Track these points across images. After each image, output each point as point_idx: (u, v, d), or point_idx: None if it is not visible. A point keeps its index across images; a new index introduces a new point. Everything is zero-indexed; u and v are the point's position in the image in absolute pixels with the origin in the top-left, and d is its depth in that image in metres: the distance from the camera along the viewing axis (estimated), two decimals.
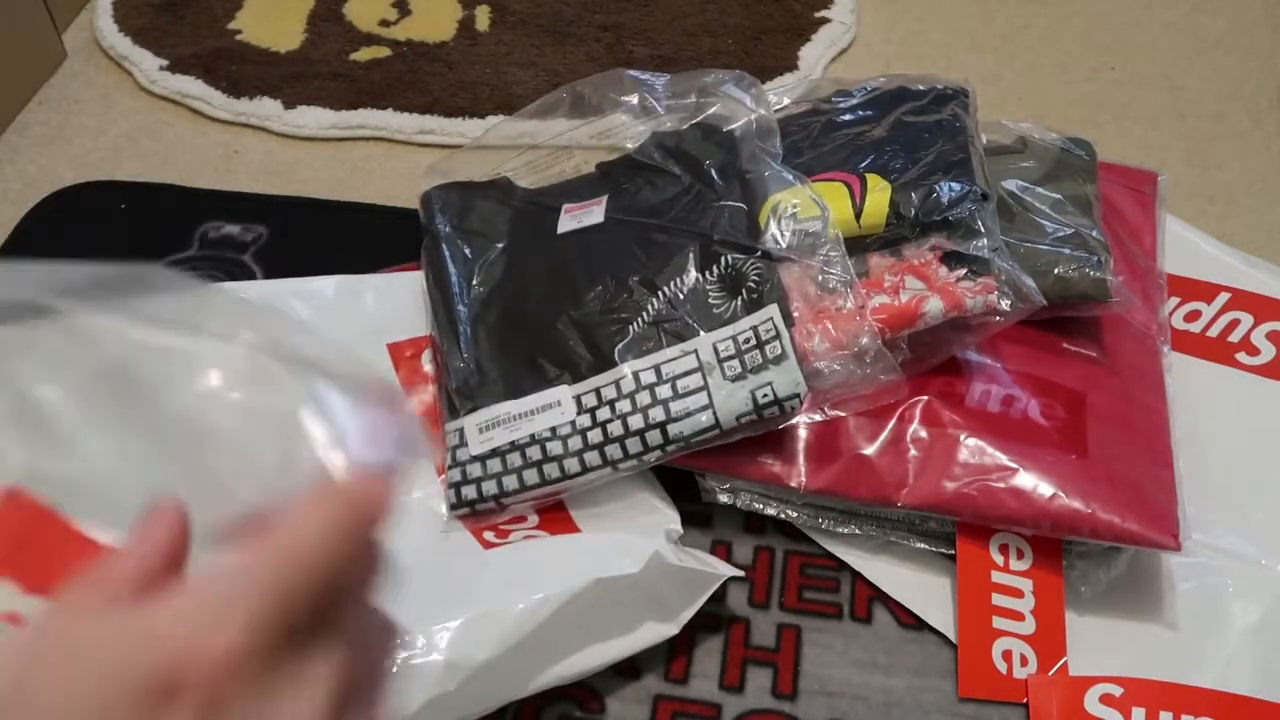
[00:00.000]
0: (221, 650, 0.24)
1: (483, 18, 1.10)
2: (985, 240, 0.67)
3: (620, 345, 0.68)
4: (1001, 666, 0.65)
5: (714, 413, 0.65)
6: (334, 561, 0.27)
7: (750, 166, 0.73)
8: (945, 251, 0.68)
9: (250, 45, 1.06)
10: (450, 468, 0.68)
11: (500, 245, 0.77)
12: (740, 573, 0.66)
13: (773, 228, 0.69)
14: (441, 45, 1.07)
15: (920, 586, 0.69)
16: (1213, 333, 0.81)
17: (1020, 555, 0.67)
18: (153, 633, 0.24)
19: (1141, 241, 0.82)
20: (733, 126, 0.78)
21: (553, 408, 0.68)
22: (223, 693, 0.24)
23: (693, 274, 0.70)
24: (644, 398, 0.66)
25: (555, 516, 0.69)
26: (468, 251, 0.77)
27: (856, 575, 0.69)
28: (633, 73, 0.84)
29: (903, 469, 0.67)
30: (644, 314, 0.69)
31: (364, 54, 1.05)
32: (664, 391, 0.66)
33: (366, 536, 0.28)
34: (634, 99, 0.83)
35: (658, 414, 0.66)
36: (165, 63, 1.03)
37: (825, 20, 1.10)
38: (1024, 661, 0.65)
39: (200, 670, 0.24)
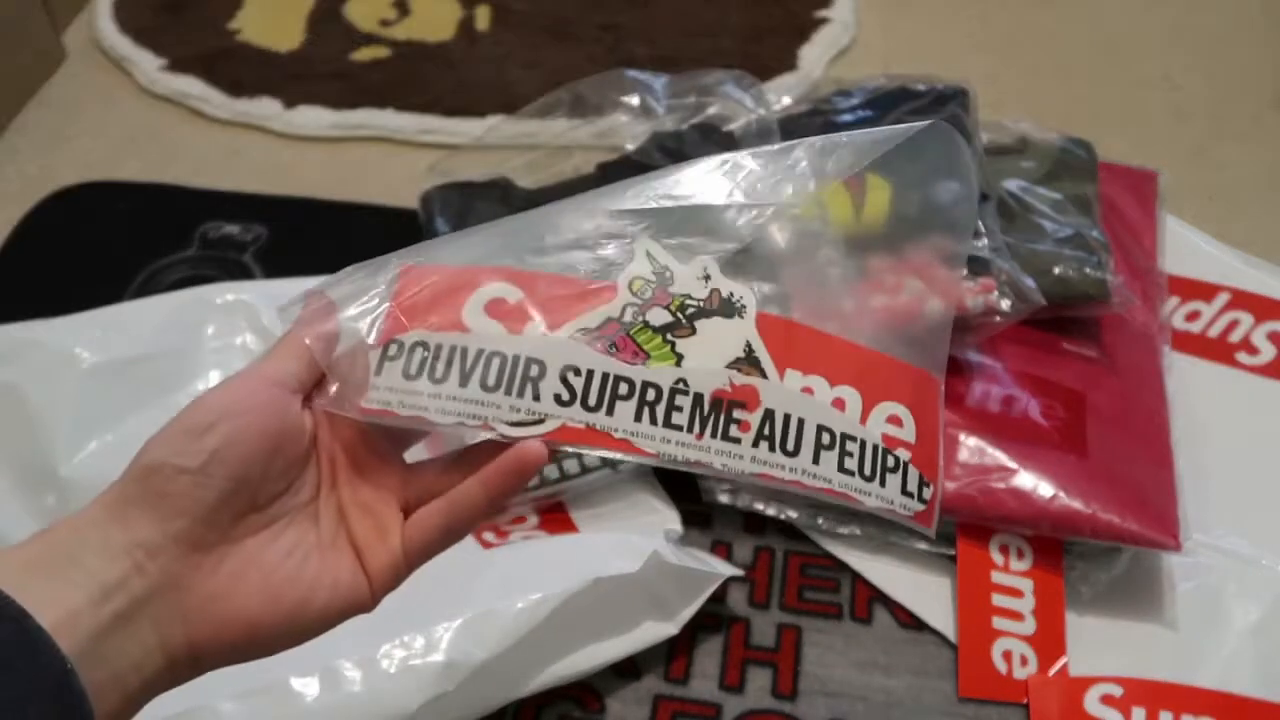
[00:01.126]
0: None
1: (483, 18, 1.10)
2: (985, 240, 0.67)
3: None
4: (1001, 666, 0.64)
5: None
6: None
7: None
8: None
9: (250, 45, 1.06)
10: None
11: None
12: (739, 572, 0.66)
13: (771, 228, 0.69)
14: (441, 45, 1.07)
15: (920, 586, 0.69)
16: (1213, 333, 0.81)
17: (1020, 555, 0.67)
18: None
19: (1141, 241, 0.82)
20: (732, 126, 0.78)
21: None
22: None
23: None
24: None
25: (555, 517, 0.69)
26: None
27: (856, 575, 0.69)
28: (633, 73, 0.84)
29: None
30: None
31: (364, 54, 1.05)
32: None
33: None
34: (634, 99, 0.83)
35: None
36: (165, 63, 1.03)
37: (825, 20, 1.10)
38: (1024, 661, 0.65)
39: None
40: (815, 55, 1.06)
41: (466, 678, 0.57)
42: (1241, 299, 0.82)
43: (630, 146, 0.82)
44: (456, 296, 0.38)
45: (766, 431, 0.38)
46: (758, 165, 0.42)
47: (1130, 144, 0.97)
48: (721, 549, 0.70)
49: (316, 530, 0.38)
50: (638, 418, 0.38)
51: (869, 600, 0.68)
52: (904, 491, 0.40)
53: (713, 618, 0.67)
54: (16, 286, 0.85)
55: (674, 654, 0.65)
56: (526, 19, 1.10)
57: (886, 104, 0.77)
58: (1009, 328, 0.68)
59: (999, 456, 0.67)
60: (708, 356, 0.39)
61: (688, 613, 0.63)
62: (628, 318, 0.39)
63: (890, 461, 0.40)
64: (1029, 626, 0.66)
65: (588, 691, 0.64)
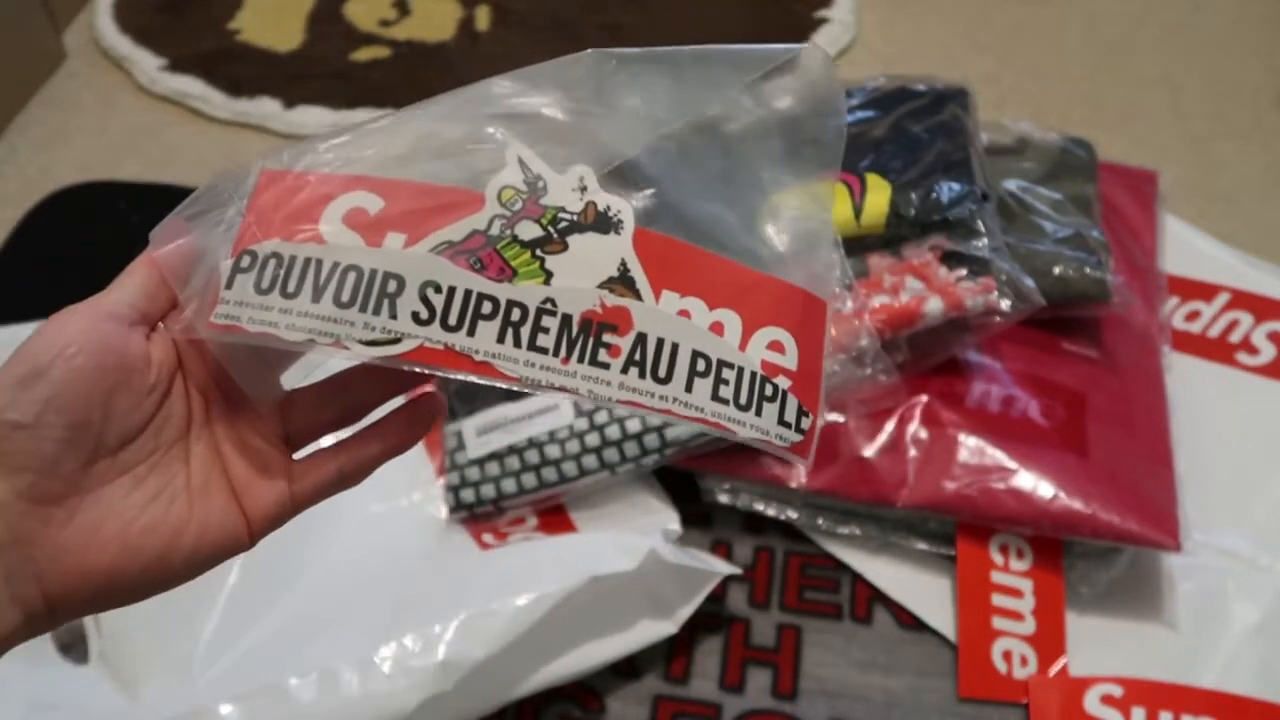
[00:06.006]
0: None
1: (483, 18, 1.10)
2: (985, 240, 0.67)
3: None
4: (1001, 666, 0.64)
5: None
6: None
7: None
8: (945, 251, 0.67)
9: (250, 45, 1.06)
10: (449, 471, 0.68)
11: None
12: (738, 570, 0.66)
13: (771, 228, 0.69)
14: (441, 45, 1.07)
15: (920, 586, 0.69)
16: (1213, 333, 0.81)
17: (1020, 555, 0.67)
18: None
19: (1141, 241, 0.82)
20: (733, 126, 0.77)
21: (551, 411, 0.68)
22: None
23: None
24: None
25: (554, 518, 0.69)
26: None
27: (856, 575, 0.69)
28: None
29: (903, 469, 0.67)
30: None
31: (364, 54, 1.05)
32: None
33: None
34: None
35: (654, 418, 0.66)
36: (165, 63, 1.03)
37: (825, 20, 1.10)
38: (1024, 661, 0.65)
39: None
40: None
41: (464, 677, 0.57)
42: (1241, 299, 0.82)
43: None
44: (315, 206, 0.36)
45: (638, 357, 0.36)
46: (650, 74, 0.39)
47: (1130, 144, 0.97)
48: (721, 549, 0.70)
49: (187, 471, 0.36)
50: (500, 339, 0.35)
51: (869, 600, 0.68)
52: (781, 421, 0.37)
53: (713, 618, 0.67)
54: (16, 286, 0.85)
55: (674, 654, 0.65)
56: (526, 19, 1.10)
57: (886, 104, 0.77)
58: (1009, 328, 0.68)
59: (999, 456, 0.67)
60: (579, 275, 0.36)
61: (686, 611, 0.63)
62: (495, 231, 0.36)
63: (768, 390, 0.37)
64: (1029, 626, 0.65)
65: (588, 691, 0.64)
